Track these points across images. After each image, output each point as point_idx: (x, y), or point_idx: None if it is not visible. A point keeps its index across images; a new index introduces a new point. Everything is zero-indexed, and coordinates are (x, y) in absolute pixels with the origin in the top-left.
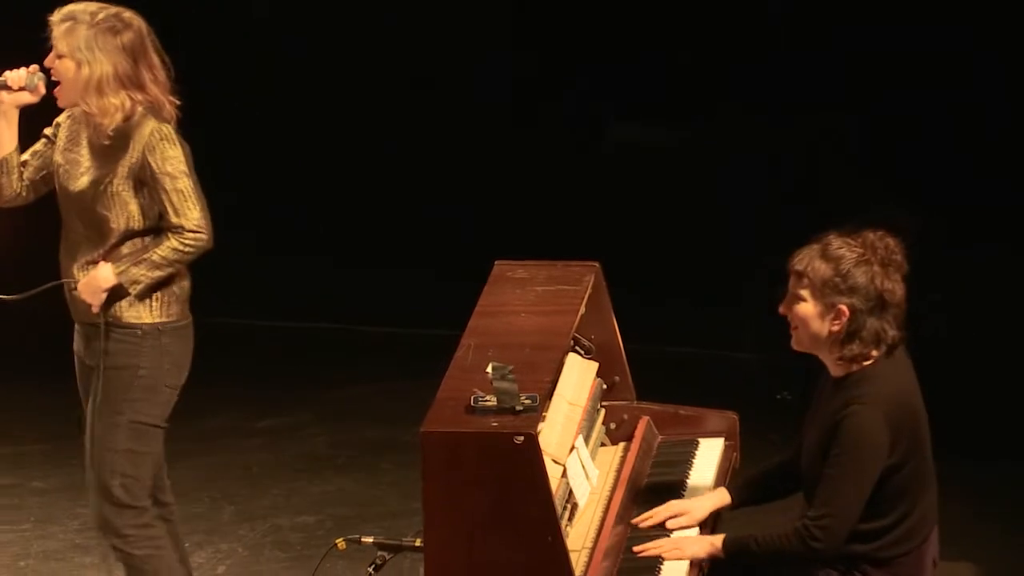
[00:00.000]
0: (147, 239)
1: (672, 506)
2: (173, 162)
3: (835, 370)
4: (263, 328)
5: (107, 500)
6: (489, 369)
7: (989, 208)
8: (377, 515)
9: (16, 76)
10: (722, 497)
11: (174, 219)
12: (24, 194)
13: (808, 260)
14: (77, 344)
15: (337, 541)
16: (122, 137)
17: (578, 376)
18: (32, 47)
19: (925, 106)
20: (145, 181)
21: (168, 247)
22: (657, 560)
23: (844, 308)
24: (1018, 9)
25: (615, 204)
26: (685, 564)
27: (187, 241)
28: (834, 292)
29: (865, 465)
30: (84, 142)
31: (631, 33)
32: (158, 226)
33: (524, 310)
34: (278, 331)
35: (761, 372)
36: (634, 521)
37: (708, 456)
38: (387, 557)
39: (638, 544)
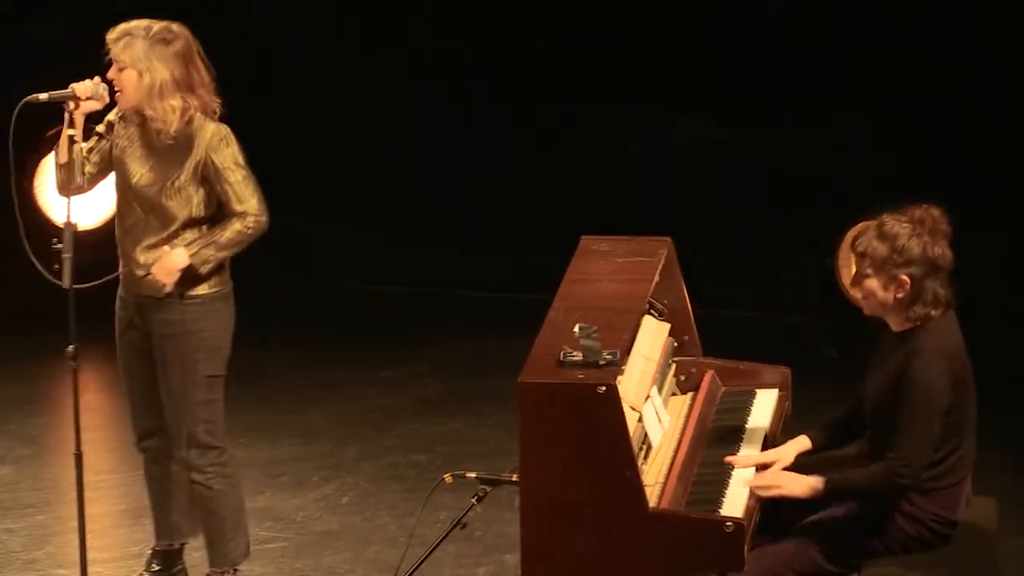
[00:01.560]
0: (205, 226)
1: (767, 455)
2: (233, 158)
3: (899, 327)
4: (379, 291)
5: (194, 445)
6: (576, 329)
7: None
8: (480, 454)
9: (84, 87)
10: (803, 443)
11: (237, 206)
12: (85, 186)
13: (867, 242)
14: (128, 314)
15: (445, 476)
16: (186, 138)
17: (652, 335)
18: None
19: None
20: (208, 176)
21: (234, 230)
22: (720, 493)
23: (905, 279)
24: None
25: (686, 190)
26: (745, 496)
27: (249, 224)
28: (894, 266)
29: (934, 408)
30: (145, 141)
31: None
32: (215, 214)
33: (606, 278)
34: (393, 294)
35: (809, 332)
36: (728, 459)
37: (764, 404)
38: (488, 490)
39: (707, 476)
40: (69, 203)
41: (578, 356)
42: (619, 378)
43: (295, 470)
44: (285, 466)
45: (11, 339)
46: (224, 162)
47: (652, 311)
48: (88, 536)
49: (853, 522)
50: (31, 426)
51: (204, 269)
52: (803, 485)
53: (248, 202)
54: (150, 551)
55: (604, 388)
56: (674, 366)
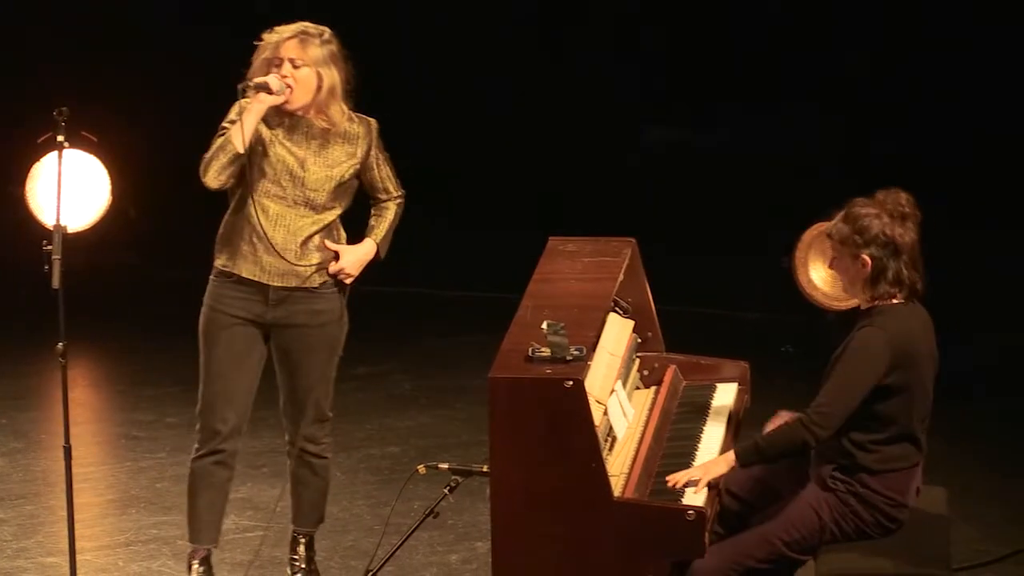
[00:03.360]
0: (340, 219)
1: (698, 468)
2: (384, 148)
3: (865, 305)
4: (355, 291)
5: (319, 419)
6: (544, 326)
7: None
8: (451, 446)
9: (275, 82)
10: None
11: (396, 191)
12: (231, 182)
13: (833, 224)
14: (249, 308)
15: (419, 467)
16: (351, 134)
17: (617, 332)
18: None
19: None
20: (369, 167)
21: (396, 214)
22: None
23: (866, 258)
24: None
25: (651, 191)
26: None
27: (402, 206)
28: (855, 246)
29: (862, 374)
30: (302, 137)
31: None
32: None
33: (573, 277)
34: (369, 295)
35: (767, 329)
36: (668, 479)
37: (724, 398)
38: (460, 480)
39: (669, 467)
40: (59, 206)
41: (546, 352)
42: (585, 373)
43: (274, 462)
44: (265, 458)
45: (3, 338)
46: (384, 152)
47: (617, 309)
48: (77, 525)
49: (812, 510)
50: (22, 420)
51: (384, 255)
52: (721, 465)
53: (399, 185)
54: (197, 560)
55: (571, 383)
56: (638, 361)
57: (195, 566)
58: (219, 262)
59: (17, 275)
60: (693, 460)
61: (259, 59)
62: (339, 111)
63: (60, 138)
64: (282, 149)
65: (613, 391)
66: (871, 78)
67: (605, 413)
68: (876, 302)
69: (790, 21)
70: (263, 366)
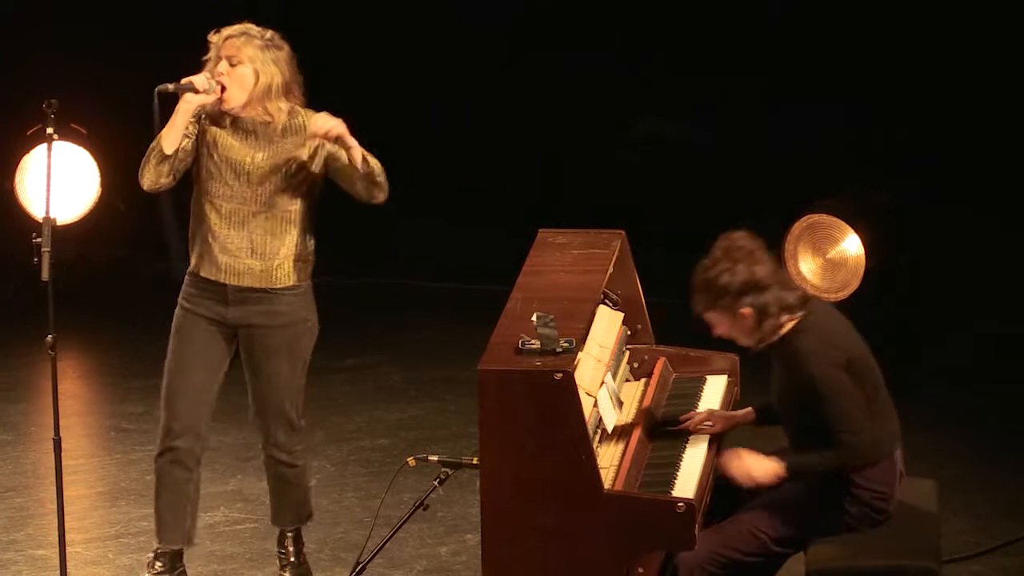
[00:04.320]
0: (309, 215)
1: (709, 412)
2: None
3: (767, 342)
4: (344, 285)
5: (289, 427)
6: (534, 318)
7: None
8: (441, 438)
9: (201, 80)
10: (748, 415)
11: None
12: (173, 180)
13: (699, 300)
14: (211, 307)
15: (408, 459)
16: (296, 129)
17: (607, 324)
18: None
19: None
20: (334, 156)
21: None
22: (672, 475)
23: (744, 311)
24: None
25: (640, 183)
26: (696, 477)
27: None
28: (729, 307)
29: (842, 388)
30: (249, 135)
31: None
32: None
33: (563, 269)
34: (357, 287)
35: None
36: (683, 418)
37: (714, 390)
38: (449, 472)
39: (659, 459)
40: (48, 198)
41: (536, 344)
42: (575, 365)
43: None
44: (255, 450)
45: None
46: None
47: (607, 301)
48: (66, 518)
49: (799, 504)
50: (11, 412)
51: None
52: (767, 474)
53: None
54: (153, 553)
55: (561, 375)
56: (628, 353)
57: (157, 564)
58: (192, 259)
59: (6, 267)
60: (682, 454)
61: (207, 60)
62: (279, 108)
63: (49, 130)
64: (225, 148)
65: (603, 383)
66: (870, 75)
67: (595, 405)
68: (780, 332)
69: (790, 8)
70: (227, 365)
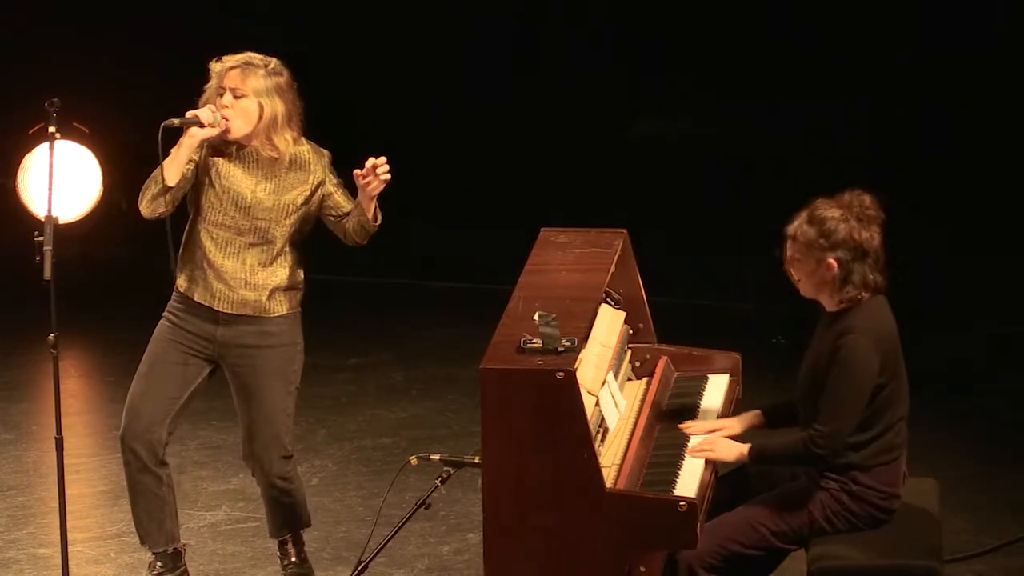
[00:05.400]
0: (300, 245)
1: (718, 422)
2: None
3: (831, 308)
4: (346, 284)
5: (281, 454)
6: (536, 317)
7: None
8: (443, 437)
9: (207, 114)
10: (756, 417)
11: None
12: (173, 208)
13: (797, 226)
14: (197, 330)
15: (410, 458)
16: (301, 162)
17: (609, 323)
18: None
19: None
20: (328, 194)
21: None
22: (674, 474)
23: (832, 262)
24: None
25: (642, 182)
26: (697, 476)
27: None
28: (820, 249)
29: (860, 385)
30: (252, 166)
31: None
32: (307, 234)
33: (565, 268)
34: (360, 285)
35: (759, 320)
36: (682, 425)
37: (716, 389)
38: (451, 471)
39: (661, 458)
40: (50, 197)
41: (537, 343)
42: (577, 364)
43: None
44: None
45: None
46: (336, 177)
47: (608, 300)
48: (68, 517)
49: (801, 501)
50: (13, 411)
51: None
52: (733, 451)
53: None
54: (153, 554)
55: (562, 374)
56: (630, 352)
57: (158, 565)
58: (179, 280)
59: (8, 266)
60: (684, 451)
61: (208, 88)
62: (284, 140)
63: (52, 129)
64: (229, 179)
65: (605, 382)
66: (870, 75)
67: (597, 404)
68: (843, 304)
69: (789, 9)
70: (197, 385)
